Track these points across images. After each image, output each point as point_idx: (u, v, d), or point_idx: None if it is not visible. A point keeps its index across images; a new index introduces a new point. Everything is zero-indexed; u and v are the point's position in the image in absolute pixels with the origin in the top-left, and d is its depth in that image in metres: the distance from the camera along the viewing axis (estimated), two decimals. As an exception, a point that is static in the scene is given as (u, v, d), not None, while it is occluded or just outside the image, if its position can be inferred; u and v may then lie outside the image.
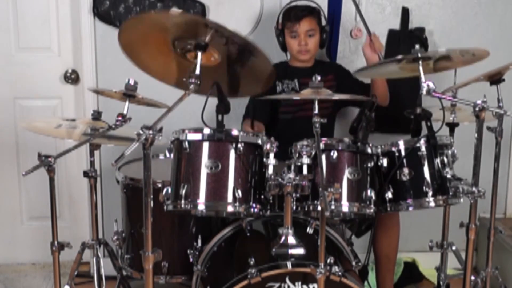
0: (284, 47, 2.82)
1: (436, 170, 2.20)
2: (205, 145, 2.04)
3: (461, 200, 2.18)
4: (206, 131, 2.04)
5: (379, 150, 2.21)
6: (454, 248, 2.70)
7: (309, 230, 2.20)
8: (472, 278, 2.26)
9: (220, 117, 2.07)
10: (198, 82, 1.87)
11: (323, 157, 2.08)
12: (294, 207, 2.05)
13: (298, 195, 1.93)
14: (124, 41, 2.06)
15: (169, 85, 2.21)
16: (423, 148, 2.20)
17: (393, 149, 2.23)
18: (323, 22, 2.81)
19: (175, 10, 2.22)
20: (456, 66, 2.36)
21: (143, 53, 2.13)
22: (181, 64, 2.10)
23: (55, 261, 2.24)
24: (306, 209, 2.09)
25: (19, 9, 3.10)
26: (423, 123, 2.25)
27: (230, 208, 2.03)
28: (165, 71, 2.20)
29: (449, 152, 2.23)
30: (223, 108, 2.10)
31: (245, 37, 1.99)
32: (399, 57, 2.13)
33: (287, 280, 1.99)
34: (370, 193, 2.14)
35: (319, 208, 1.96)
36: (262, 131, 2.55)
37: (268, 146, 2.00)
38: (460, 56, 2.19)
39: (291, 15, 2.73)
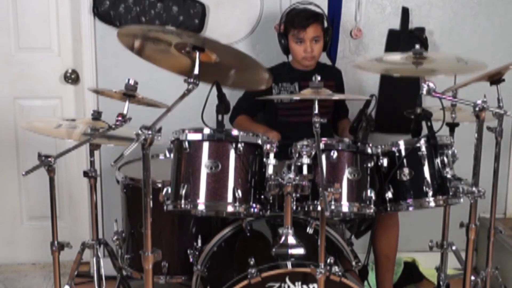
0: (286, 50, 2.80)
1: (436, 170, 2.20)
2: (205, 145, 2.04)
3: (461, 200, 2.18)
4: (206, 131, 2.04)
5: (379, 150, 2.21)
6: (454, 248, 2.70)
7: (309, 230, 2.21)
8: (472, 278, 2.26)
9: (220, 117, 2.07)
10: (197, 82, 1.87)
11: (323, 157, 2.08)
12: (294, 207, 2.05)
13: (298, 195, 1.93)
14: (127, 43, 2.08)
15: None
16: (423, 148, 2.20)
17: (393, 149, 2.23)
18: (328, 26, 2.81)
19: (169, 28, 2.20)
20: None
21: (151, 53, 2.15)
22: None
23: (55, 261, 2.24)
24: (306, 209, 2.09)
25: (19, 9, 3.10)
26: (423, 123, 2.26)
27: (230, 208, 2.03)
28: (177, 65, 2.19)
29: (449, 152, 2.23)
30: (223, 108, 2.10)
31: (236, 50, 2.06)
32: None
33: (287, 280, 2.00)
34: (370, 193, 2.13)
35: (319, 208, 1.96)
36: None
37: (268, 146, 2.00)
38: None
39: (297, 21, 2.69)
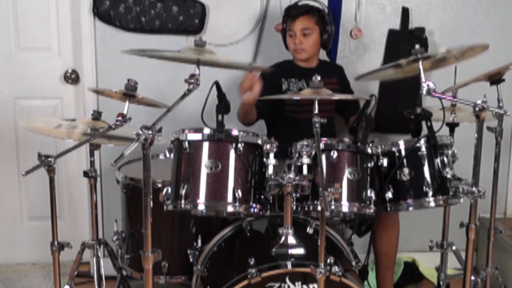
0: (286, 46, 2.82)
1: (436, 170, 2.20)
2: (205, 145, 2.04)
3: (461, 200, 2.18)
4: (206, 131, 2.04)
5: (379, 150, 2.21)
6: (454, 248, 2.70)
7: (309, 230, 2.20)
8: (472, 278, 2.26)
9: (220, 117, 2.07)
10: (198, 82, 1.87)
11: (323, 157, 2.08)
12: (294, 207, 2.05)
13: (298, 195, 1.93)
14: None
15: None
16: (423, 148, 2.20)
17: (393, 149, 2.23)
18: (327, 23, 2.76)
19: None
20: (454, 62, 2.35)
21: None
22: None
23: (55, 261, 2.24)
24: (306, 209, 2.09)
25: (19, 9, 3.10)
26: (423, 123, 2.26)
27: (230, 208, 2.03)
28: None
29: (449, 152, 2.23)
30: (223, 108, 2.10)
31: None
32: (402, 61, 2.12)
33: (287, 280, 1.99)
34: (370, 193, 2.13)
35: (319, 208, 1.96)
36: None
37: (268, 146, 2.00)
38: (460, 54, 2.19)
39: (289, 13, 2.74)
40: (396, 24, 3.12)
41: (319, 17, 2.74)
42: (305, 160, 1.99)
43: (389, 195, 2.21)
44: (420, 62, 2.02)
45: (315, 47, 2.76)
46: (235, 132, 2.05)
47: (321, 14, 2.76)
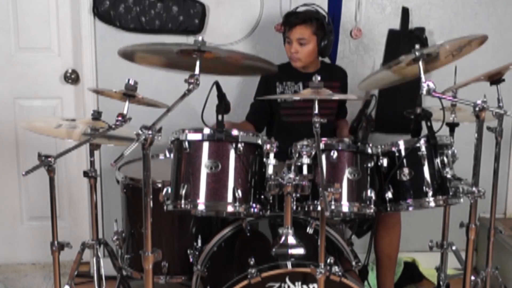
0: None
1: (436, 170, 2.20)
2: (205, 145, 2.04)
3: (461, 200, 2.18)
4: (206, 131, 2.04)
5: (379, 150, 2.21)
6: (454, 248, 2.70)
7: (309, 230, 2.21)
8: (472, 278, 2.26)
9: (220, 117, 2.07)
10: (198, 82, 1.87)
11: (323, 157, 2.08)
12: (294, 207, 2.05)
13: (298, 195, 1.93)
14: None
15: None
16: (423, 148, 2.20)
17: (393, 149, 2.23)
18: (326, 32, 2.70)
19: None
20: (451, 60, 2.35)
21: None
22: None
23: (55, 261, 2.24)
24: (306, 209, 2.09)
25: (19, 9, 3.10)
26: (423, 123, 2.26)
27: (230, 208, 2.03)
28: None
29: (449, 152, 2.23)
30: (223, 108, 2.10)
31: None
32: (402, 58, 2.13)
33: (287, 280, 2.00)
34: (370, 193, 2.14)
35: (319, 208, 1.96)
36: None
37: (268, 146, 2.00)
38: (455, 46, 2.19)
39: (287, 21, 2.72)
40: (396, 24, 3.12)
41: (317, 26, 2.67)
42: (305, 160, 1.99)
43: (389, 195, 2.21)
44: (420, 62, 2.03)
45: (311, 57, 2.72)
46: (235, 132, 2.05)
47: (319, 23, 2.68)
